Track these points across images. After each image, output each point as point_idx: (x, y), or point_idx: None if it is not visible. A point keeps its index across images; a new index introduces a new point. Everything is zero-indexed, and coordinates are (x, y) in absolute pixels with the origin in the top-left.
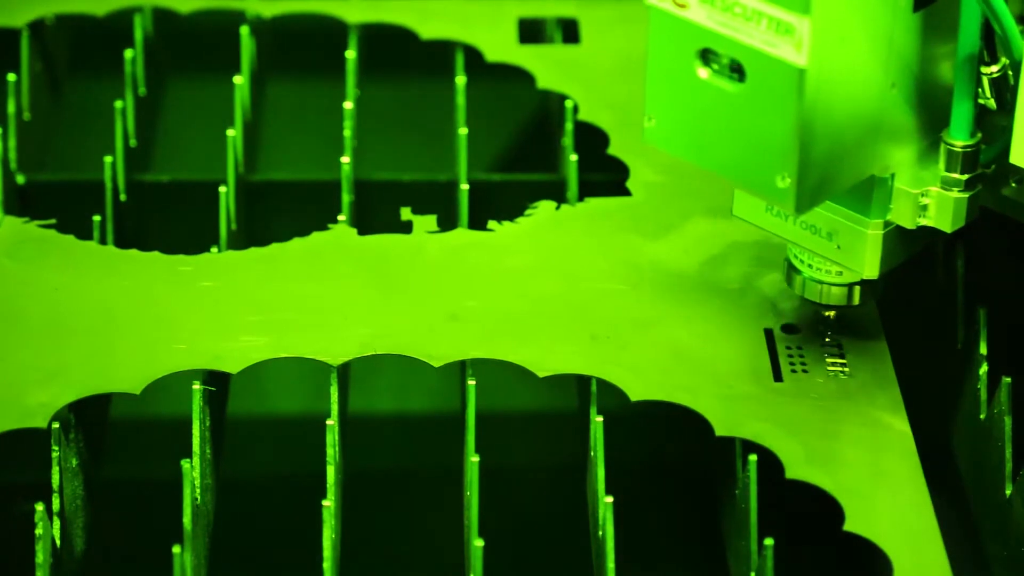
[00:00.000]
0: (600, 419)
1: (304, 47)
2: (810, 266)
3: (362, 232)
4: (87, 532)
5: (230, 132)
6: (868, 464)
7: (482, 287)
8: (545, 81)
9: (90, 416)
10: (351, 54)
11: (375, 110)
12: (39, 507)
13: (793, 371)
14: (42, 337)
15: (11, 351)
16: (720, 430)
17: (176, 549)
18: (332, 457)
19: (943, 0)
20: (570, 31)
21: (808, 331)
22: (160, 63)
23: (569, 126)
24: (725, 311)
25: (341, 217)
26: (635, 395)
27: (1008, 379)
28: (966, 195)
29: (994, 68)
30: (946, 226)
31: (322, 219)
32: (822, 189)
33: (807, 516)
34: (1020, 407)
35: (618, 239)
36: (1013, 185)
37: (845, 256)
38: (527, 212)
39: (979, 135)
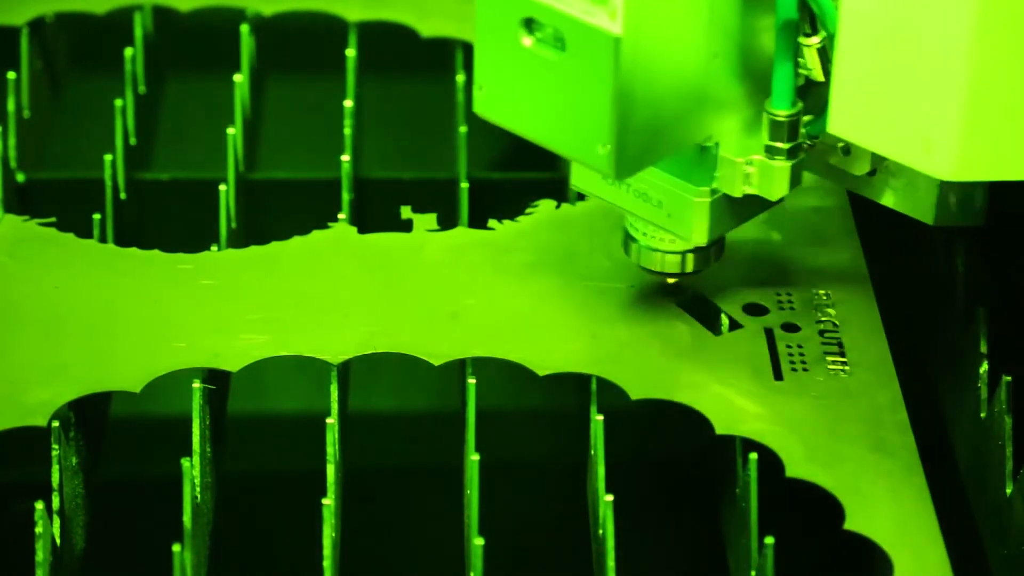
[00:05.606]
0: (600, 417)
1: (304, 45)
2: (645, 234)
3: (362, 230)
4: (87, 530)
5: (230, 130)
6: (868, 463)
7: (482, 285)
8: None
9: (90, 414)
10: (351, 52)
11: (375, 108)
12: (39, 505)
13: (793, 369)
14: (42, 335)
15: (11, 349)
16: (720, 428)
17: (176, 547)
18: (332, 455)
19: None
20: None
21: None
22: (160, 61)
23: None
24: (725, 310)
25: (341, 215)
26: (635, 393)
27: (1008, 378)
28: (789, 164)
29: (815, 39)
30: (770, 194)
31: (322, 217)
32: (643, 156)
33: (807, 515)
34: (1021, 406)
35: (619, 238)
36: (841, 155)
37: (675, 223)
38: (527, 210)
39: (800, 104)
